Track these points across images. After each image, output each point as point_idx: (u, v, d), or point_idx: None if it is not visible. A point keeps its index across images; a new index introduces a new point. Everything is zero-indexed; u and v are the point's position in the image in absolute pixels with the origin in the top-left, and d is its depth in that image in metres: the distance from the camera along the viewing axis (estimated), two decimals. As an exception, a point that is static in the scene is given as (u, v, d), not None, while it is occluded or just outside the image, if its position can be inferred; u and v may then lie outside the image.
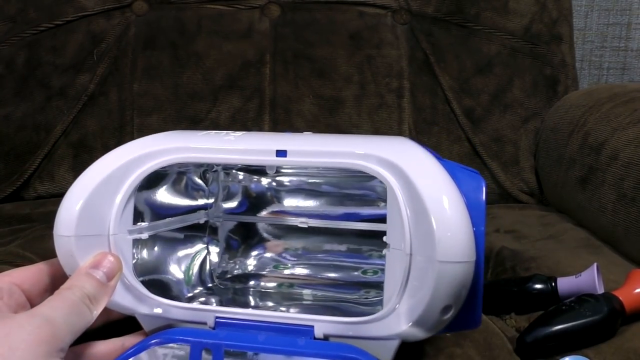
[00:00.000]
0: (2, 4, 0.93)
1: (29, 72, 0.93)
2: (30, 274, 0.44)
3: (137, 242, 0.47)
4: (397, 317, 0.41)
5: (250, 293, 0.57)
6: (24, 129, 0.92)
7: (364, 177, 0.56)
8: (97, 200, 0.43)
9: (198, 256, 0.57)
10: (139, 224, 0.47)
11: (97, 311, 0.41)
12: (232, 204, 0.59)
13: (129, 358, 0.42)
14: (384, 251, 0.45)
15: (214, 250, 0.59)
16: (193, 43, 0.95)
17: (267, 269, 0.59)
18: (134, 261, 0.46)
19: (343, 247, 0.59)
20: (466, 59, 0.98)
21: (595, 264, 0.57)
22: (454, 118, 0.97)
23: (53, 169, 0.93)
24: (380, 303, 0.55)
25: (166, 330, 0.44)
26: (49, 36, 0.93)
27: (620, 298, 0.53)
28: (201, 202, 0.56)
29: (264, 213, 0.59)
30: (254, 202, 0.59)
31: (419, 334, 0.42)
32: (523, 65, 0.98)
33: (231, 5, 0.97)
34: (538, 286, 0.58)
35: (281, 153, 0.44)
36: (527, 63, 0.98)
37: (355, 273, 0.58)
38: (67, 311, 0.38)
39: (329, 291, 0.57)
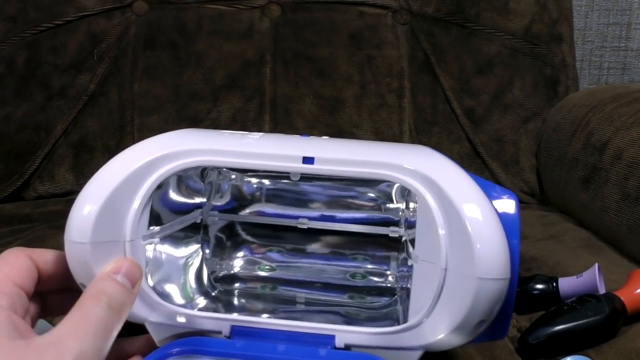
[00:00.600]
0: (2, 3, 0.93)
1: (29, 72, 0.93)
2: (26, 270, 0.39)
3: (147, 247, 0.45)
4: (426, 329, 0.41)
5: (236, 295, 0.56)
6: (24, 129, 0.92)
7: (367, 182, 0.56)
8: (114, 204, 0.40)
9: (195, 258, 0.56)
10: (151, 228, 0.45)
11: (123, 321, 0.37)
12: (221, 202, 0.58)
13: None
14: (410, 262, 0.46)
15: (206, 250, 0.58)
16: (193, 43, 0.95)
17: (252, 270, 0.58)
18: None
19: (326, 250, 0.59)
20: (466, 59, 0.98)
21: (596, 264, 0.57)
22: (455, 118, 0.97)
23: (53, 169, 0.93)
24: (379, 307, 0.55)
25: (184, 339, 0.42)
26: (49, 36, 0.93)
27: (622, 298, 0.53)
28: (197, 200, 0.55)
29: (247, 212, 0.58)
30: (242, 201, 0.58)
31: (448, 345, 0.42)
32: (523, 65, 0.98)
33: (231, 5, 0.97)
34: (539, 286, 0.58)
35: (308, 160, 0.42)
36: (527, 63, 0.98)
37: (341, 276, 0.58)
38: (95, 335, 0.35)
39: (319, 295, 0.56)
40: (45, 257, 0.40)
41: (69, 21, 0.94)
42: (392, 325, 0.50)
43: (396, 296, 0.56)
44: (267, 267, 0.58)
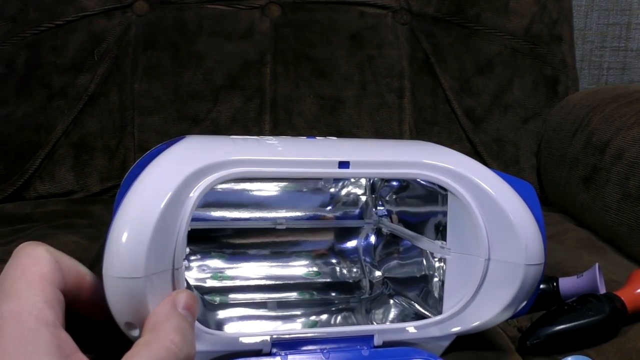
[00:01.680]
0: (2, 3, 0.93)
1: (29, 72, 0.93)
2: (54, 267, 0.32)
3: None
4: (465, 317, 0.45)
5: (221, 305, 0.55)
6: (24, 128, 0.92)
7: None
8: (164, 228, 0.35)
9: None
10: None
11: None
12: None
13: None
14: (438, 255, 0.48)
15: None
16: (194, 43, 0.95)
17: (207, 280, 0.57)
18: None
19: (266, 251, 0.59)
20: (467, 59, 0.98)
21: (596, 264, 0.57)
22: (455, 118, 0.97)
23: (54, 169, 0.93)
24: (351, 302, 0.56)
25: None
26: (50, 36, 0.93)
27: (622, 298, 0.53)
28: None
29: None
30: (204, 205, 0.57)
31: (483, 328, 0.45)
32: (523, 65, 0.98)
33: (232, 5, 0.97)
34: (540, 286, 0.58)
35: (343, 165, 0.42)
36: (527, 63, 0.98)
37: (295, 274, 0.59)
38: None
39: (287, 297, 0.57)
40: (62, 258, 0.33)
41: (69, 21, 0.94)
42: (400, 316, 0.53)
43: (371, 288, 0.58)
44: (220, 274, 0.58)
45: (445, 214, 0.46)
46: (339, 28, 0.97)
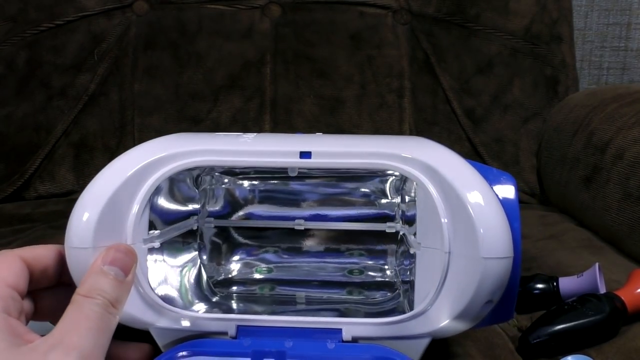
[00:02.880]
0: (2, 3, 0.93)
1: (29, 72, 0.93)
2: (16, 269, 0.38)
3: (148, 253, 0.45)
4: (433, 315, 0.42)
5: (235, 298, 0.56)
6: (24, 128, 0.92)
7: (360, 179, 0.56)
8: (113, 208, 0.40)
9: (193, 264, 0.56)
10: (151, 232, 0.45)
11: (120, 315, 0.37)
12: (216, 208, 0.58)
13: None
14: (412, 250, 0.46)
15: (203, 256, 0.58)
16: (194, 43, 0.95)
17: (249, 273, 0.58)
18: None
19: (321, 248, 0.59)
20: (467, 59, 0.98)
21: (596, 264, 0.57)
22: (455, 118, 0.97)
23: (54, 169, 0.93)
24: (381, 302, 0.55)
25: (191, 342, 0.42)
26: (50, 36, 0.93)
27: (623, 298, 0.53)
28: (191, 207, 0.55)
29: (241, 214, 0.58)
30: (236, 205, 0.58)
31: (456, 329, 0.42)
32: (523, 65, 0.98)
33: (232, 5, 0.97)
34: (540, 286, 0.58)
35: (305, 155, 0.42)
36: (527, 63, 0.98)
37: (339, 273, 0.58)
38: (95, 332, 0.35)
39: (317, 292, 0.56)
40: (35, 253, 0.40)
41: (69, 21, 0.94)
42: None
43: (397, 291, 0.56)
44: (265, 268, 0.58)
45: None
46: (339, 28, 0.97)
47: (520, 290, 0.58)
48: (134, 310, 0.42)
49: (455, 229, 0.41)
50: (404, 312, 0.53)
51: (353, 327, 0.43)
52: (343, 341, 0.43)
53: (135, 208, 0.41)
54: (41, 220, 0.82)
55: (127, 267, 0.39)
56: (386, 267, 0.59)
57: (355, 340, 0.43)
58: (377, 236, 0.59)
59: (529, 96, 0.98)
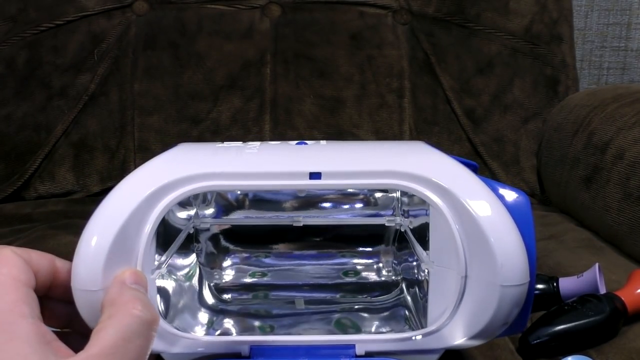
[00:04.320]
0: (2, 3, 0.93)
1: (29, 72, 0.93)
2: (25, 267, 0.34)
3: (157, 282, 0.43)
4: (448, 333, 0.42)
5: (237, 304, 0.55)
6: (24, 128, 0.92)
7: None
8: (121, 245, 0.37)
9: (194, 269, 0.56)
10: (157, 258, 0.43)
11: (159, 322, 0.35)
12: (208, 212, 0.58)
13: None
14: (424, 266, 0.46)
15: (201, 259, 0.57)
16: (194, 43, 0.95)
17: (242, 277, 0.58)
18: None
19: (314, 251, 0.59)
20: (467, 59, 0.98)
21: (597, 264, 0.57)
22: (455, 118, 0.97)
23: (54, 169, 0.93)
24: (381, 302, 0.55)
25: None
26: (50, 36, 0.93)
27: (623, 298, 0.53)
28: (186, 214, 0.55)
29: (232, 217, 0.58)
30: (228, 208, 0.58)
31: (469, 346, 0.43)
32: (523, 65, 0.98)
33: (232, 5, 0.97)
34: (540, 286, 0.58)
35: (315, 176, 0.40)
36: (527, 63, 0.98)
37: (334, 275, 0.58)
38: (142, 351, 0.32)
39: (314, 295, 0.57)
40: (30, 257, 0.35)
41: (69, 21, 0.94)
42: (401, 321, 0.51)
43: (397, 289, 0.57)
44: (258, 273, 0.58)
45: None
46: (339, 28, 0.97)
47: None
48: None
49: (472, 254, 0.40)
50: (406, 307, 0.53)
51: (366, 343, 0.43)
52: (356, 356, 0.43)
53: (143, 242, 0.38)
54: (41, 220, 0.82)
55: (146, 287, 0.37)
56: (381, 266, 0.59)
57: (369, 355, 0.43)
58: (370, 236, 0.59)
59: (529, 96, 0.98)
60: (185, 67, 0.95)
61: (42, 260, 0.36)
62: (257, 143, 0.45)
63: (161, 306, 0.44)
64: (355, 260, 0.60)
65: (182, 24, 0.96)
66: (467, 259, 0.40)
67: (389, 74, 0.97)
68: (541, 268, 0.65)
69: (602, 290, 0.56)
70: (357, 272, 0.59)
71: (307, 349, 0.43)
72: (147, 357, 0.32)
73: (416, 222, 0.53)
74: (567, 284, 0.57)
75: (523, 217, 0.41)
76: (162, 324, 0.40)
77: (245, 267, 0.59)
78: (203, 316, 0.53)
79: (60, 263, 0.37)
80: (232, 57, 0.96)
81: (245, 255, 0.59)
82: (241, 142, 0.46)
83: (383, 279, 0.59)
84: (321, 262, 0.59)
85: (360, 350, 0.43)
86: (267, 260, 0.59)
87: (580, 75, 1.14)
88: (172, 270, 0.50)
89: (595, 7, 1.18)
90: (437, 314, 0.43)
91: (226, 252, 0.59)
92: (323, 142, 0.48)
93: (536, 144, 0.97)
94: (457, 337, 0.42)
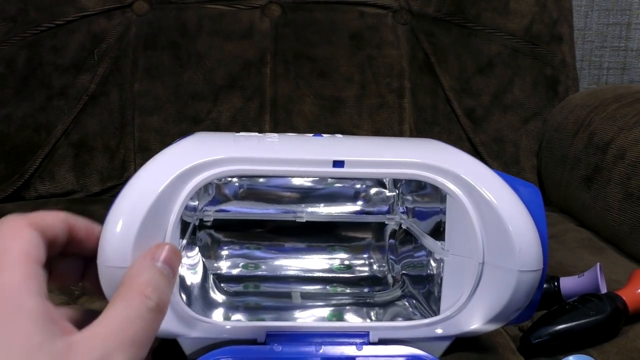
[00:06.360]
0: (2, 3, 0.93)
1: (29, 72, 0.93)
2: (36, 242, 0.33)
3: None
4: (462, 319, 0.44)
5: (237, 294, 0.56)
6: (24, 128, 0.92)
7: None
8: (150, 222, 0.38)
9: (198, 260, 0.57)
10: (181, 241, 0.44)
11: (166, 311, 0.34)
12: (206, 202, 0.59)
13: None
14: (437, 255, 0.48)
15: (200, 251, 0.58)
16: (194, 43, 0.95)
17: (234, 268, 0.59)
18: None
19: (304, 245, 0.60)
20: (467, 59, 0.98)
21: (598, 264, 0.57)
22: (455, 118, 0.97)
23: (54, 169, 0.92)
24: (385, 302, 0.56)
25: (227, 349, 0.43)
26: (50, 36, 0.93)
27: (624, 298, 0.53)
28: (194, 202, 0.56)
29: (229, 209, 0.59)
30: (225, 201, 0.59)
31: (481, 332, 0.45)
32: (523, 65, 0.98)
33: (232, 5, 0.97)
34: (542, 291, 0.58)
35: (338, 164, 0.42)
36: (527, 63, 0.98)
37: (325, 268, 0.60)
38: (146, 335, 0.32)
39: (307, 288, 0.58)
40: (45, 222, 0.34)
41: (69, 21, 0.94)
42: (408, 312, 0.54)
43: (399, 282, 0.57)
44: (251, 264, 0.59)
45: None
46: (339, 28, 0.97)
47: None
48: (166, 325, 0.40)
49: (489, 241, 0.42)
50: (413, 298, 0.54)
51: (380, 330, 0.44)
52: (370, 343, 0.44)
53: (172, 219, 0.39)
54: (41, 220, 0.82)
55: (175, 268, 0.36)
56: (372, 261, 0.60)
57: (382, 342, 0.45)
58: (359, 232, 0.60)
59: (529, 96, 0.98)
60: (185, 67, 0.95)
61: (57, 222, 0.35)
62: (275, 134, 0.46)
63: (182, 294, 0.44)
64: (345, 255, 0.61)
65: (182, 24, 0.96)
66: (485, 245, 0.42)
67: (389, 74, 0.97)
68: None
69: (603, 290, 0.56)
70: (349, 267, 0.60)
71: (322, 336, 0.44)
72: (151, 341, 0.32)
73: (424, 218, 0.54)
74: (568, 284, 0.57)
75: (536, 208, 0.43)
76: (184, 307, 0.41)
77: (237, 259, 0.60)
78: (213, 305, 0.54)
79: (74, 220, 0.37)
80: (232, 57, 0.95)
81: (236, 247, 0.60)
82: (259, 133, 0.47)
83: (375, 274, 0.59)
84: (312, 256, 0.60)
85: (374, 337, 0.44)
86: (259, 253, 0.60)
87: (580, 75, 1.14)
88: (186, 264, 0.52)
89: (595, 7, 1.18)
90: (452, 302, 0.44)
91: (219, 244, 0.60)
92: (339, 135, 0.49)
93: (536, 144, 0.97)
94: (473, 323, 0.44)
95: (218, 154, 0.40)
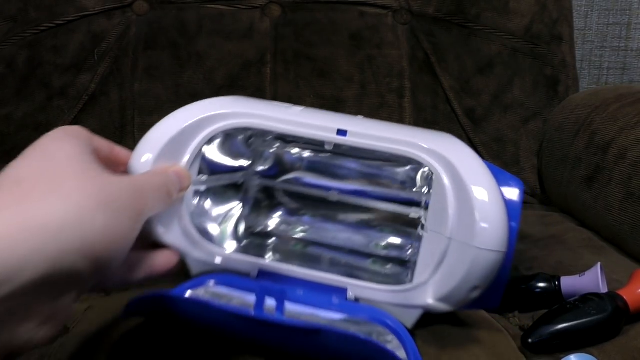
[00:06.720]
0: (2, 3, 0.93)
1: (29, 71, 0.93)
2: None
3: (194, 194, 0.51)
4: (427, 291, 0.47)
5: (270, 249, 0.61)
6: (25, 128, 0.92)
7: (395, 164, 0.59)
8: (169, 153, 0.47)
9: (234, 213, 0.61)
10: (199, 176, 0.51)
11: (171, 203, 0.43)
12: (264, 167, 0.62)
13: (189, 288, 0.48)
14: (419, 231, 0.52)
15: (246, 208, 0.62)
16: (194, 43, 0.95)
17: (286, 230, 0.63)
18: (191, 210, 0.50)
19: (355, 219, 0.63)
20: (467, 59, 0.98)
21: (598, 263, 0.57)
22: (455, 118, 0.97)
23: (54, 169, 0.92)
24: (395, 275, 0.58)
25: (219, 274, 0.50)
26: (50, 36, 0.93)
27: (625, 297, 0.53)
28: (240, 163, 0.59)
29: (286, 178, 0.62)
30: (283, 168, 0.63)
31: (444, 307, 0.47)
32: (524, 65, 0.98)
33: (232, 5, 0.97)
34: (541, 285, 0.58)
35: (342, 132, 0.48)
36: (527, 63, 0.98)
37: (365, 244, 0.62)
38: (156, 190, 0.41)
39: (343, 258, 0.60)
40: (99, 142, 0.43)
41: (69, 21, 0.94)
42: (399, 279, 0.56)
43: (408, 266, 0.58)
44: (300, 229, 0.62)
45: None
46: (339, 28, 0.97)
47: (522, 288, 0.58)
48: (174, 239, 0.48)
49: (460, 219, 0.45)
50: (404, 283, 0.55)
51: (357, 288, 0.49)
52: (347, 299, 0.48)
53: (188, 154, 0.48)
54: (41, 220, 0.82)
55: (184, 183, 0.46)
56: (408, 247, 0.61)
57: (357, 300, 0.49)
58: (405, 219, 0.62)
59: (529, 96, 0.98)
60: (185, 67, 0.95)
61: (104, 144, 0.44)
62: (300, 107, 0.52)
63: (195, 215, 0.51)
64: (390, 237, 0.62)
65: (182, 24, 0.96)
66: (454, 222, 0.45)
67: (389, 74, 0.97)
68: (542, 267, 0.65)
69: (604, 289, 0.56)
70: (386, 247, 0.61)
71: (306, 284, 0.49)
72: (152, 211, 0.41)
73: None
74: (569, 283, 0.57)
75: (512, 202, 0.47)
76: (189, 226, 0.48)
77: (290, 222, 0.63)
78: (227, 246, 0.57)
79: (118, 148, 0.46)
80: (232, 57, 0.96)
81: (292, 212, 0.63)
82: (290, 104, 0.53)
83: (404, 258, 0.61)
84: (360, 231, 0.62)
85: (351, 294, 0.49)
86: (311, 221, 0.63)
87: (580, 75, 1.14)
88: (213, 205, 0.56)
89: (595, 7, 1.18)
90: (423, 273, 0.48)
91: (275, 206, 0.63)
92: (360, 116, 0.53)
93: (536, 144, 0.97)
94: (434, 295, 0.47)
95: (236, 108, 0.49)
